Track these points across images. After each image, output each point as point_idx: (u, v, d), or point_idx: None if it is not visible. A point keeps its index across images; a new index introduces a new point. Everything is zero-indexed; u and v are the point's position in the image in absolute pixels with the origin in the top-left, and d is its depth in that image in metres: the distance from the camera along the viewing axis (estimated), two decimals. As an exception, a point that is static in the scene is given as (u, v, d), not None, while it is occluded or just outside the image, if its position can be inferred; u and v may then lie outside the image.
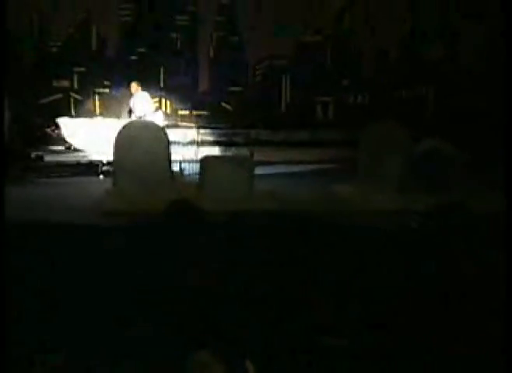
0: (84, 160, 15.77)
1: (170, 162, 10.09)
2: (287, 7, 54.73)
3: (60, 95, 56.32)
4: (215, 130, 21.51)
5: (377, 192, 9.46)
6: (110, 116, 18.00)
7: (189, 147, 16.80)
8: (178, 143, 14.88)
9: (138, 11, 61.42)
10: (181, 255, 5.81)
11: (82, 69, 58.98)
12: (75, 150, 18.12)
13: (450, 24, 55.18)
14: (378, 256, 6.11)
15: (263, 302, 5.16)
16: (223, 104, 60.08)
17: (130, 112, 13.21)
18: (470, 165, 10.11)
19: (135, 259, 5.77)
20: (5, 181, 6.22)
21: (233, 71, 60.95)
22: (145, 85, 13.83)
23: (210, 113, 57.66)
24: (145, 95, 13.50)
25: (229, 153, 16.53)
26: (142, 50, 60.50)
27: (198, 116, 54.88)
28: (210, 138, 19.47)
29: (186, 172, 12.22)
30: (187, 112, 57.81)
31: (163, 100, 53.18)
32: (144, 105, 13.32)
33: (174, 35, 61.37)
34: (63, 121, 17.18)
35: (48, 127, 24.00)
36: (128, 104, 13.98)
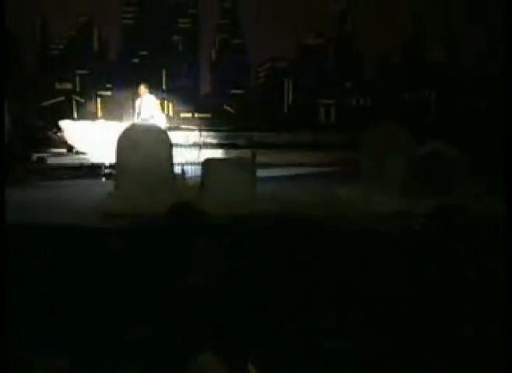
0: (86, 162, 15.78)
1: (172, 164, 10.09)
2: (289, 10, 54.81)
3: (62, 98, 56.44)
4: (217, 133, 21.57)
5: (380, 194, 9.44)
6: (112, 119, 18.04)
7: (191, 149, 16.83)
8: (180, 145, 14.90)
9: (140, 14, 61.53)
10: (183, 257, 5.81)
11: (85, 72, 59.11)
12: (77, 152, 18.16)
13: (453, 28, 55.21)
14: (380, 258, 6.10)
15: (265, 305, 5.15)
16: (225, 107, 60.15)
17: (138, 114, 13.27)
18: (472, 168, 10.10)
19: (137, 261, 5.77)
20: (7, 183, 6.23)
21: (235, 74, 61.03)
22: (147, 88, 13.86)
23: (212, 115, 57.76)
24: (152, 97, 13.57)
25: (231, 155, 16.53)
26: (144, 52, 60.63)
27: (200, 118, 54.97)
28: (212, 141, 19.51)
29: (188, 175, 12.21)
30: (189, 114, 57.92)
31: (166, 103, 53.28)
32: (151, 107, 13.37)
33: (176, 38, 61.46)
34: (65, 124, 17.22)
35: (50, 129, 24.04)
36: (129, 106, 14.00)
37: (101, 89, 58.13)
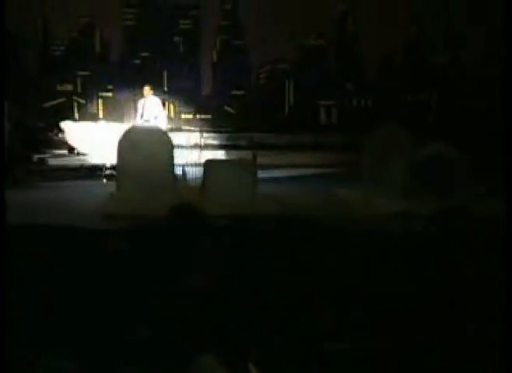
0: (87, 164, 15.79)
1: (173, 165, 10.10)
2: (290, 11, 54.86)
3: (64, 99, 56.47)
4: (218, 134, 21.58)
5: (381, 195, 9.44)
6: (113, 120, 18.06)
7: (192, 150, 16.84)
8: (181, 147, 14.91)
9: (141, 15, 61.59)
10: (184, 258, 5.81)
11: (86, 73, 59.14)
12: (79, 153, 18.18)
13: (454, 29, 55.22)
14: (381, 259, 6.10)
15: (266, 306, 5.15)
16: (226, 108, 60.13)
17: (141, 115, 13.28)
18: (473, 169, 10.10)
19: (138, 262, 5.77)
20: (7, 184, 6.23)
21: (236, 75, 60.99)
22: (152, 89, 13.87)
23: (213, 116, 57.73)
24: (156, 99, 13.59)
25: (232, 157, 16.54)
26: (145, 54, 60.66)
27: (201, 119, 54.96)
28: (213, 142, 19.53)
29: (189, 176, 12.22)
30: (190, 116, 57.93)
31: (167, 104, 53.28)
32: (154, 108, 13.38)
33: (177, 39, 61.49)
34: (66, 125, 17.24)
35: (51, 130, 24.06)
36: (131, 108, 14.01)
37: (102, 90, 58.14)
